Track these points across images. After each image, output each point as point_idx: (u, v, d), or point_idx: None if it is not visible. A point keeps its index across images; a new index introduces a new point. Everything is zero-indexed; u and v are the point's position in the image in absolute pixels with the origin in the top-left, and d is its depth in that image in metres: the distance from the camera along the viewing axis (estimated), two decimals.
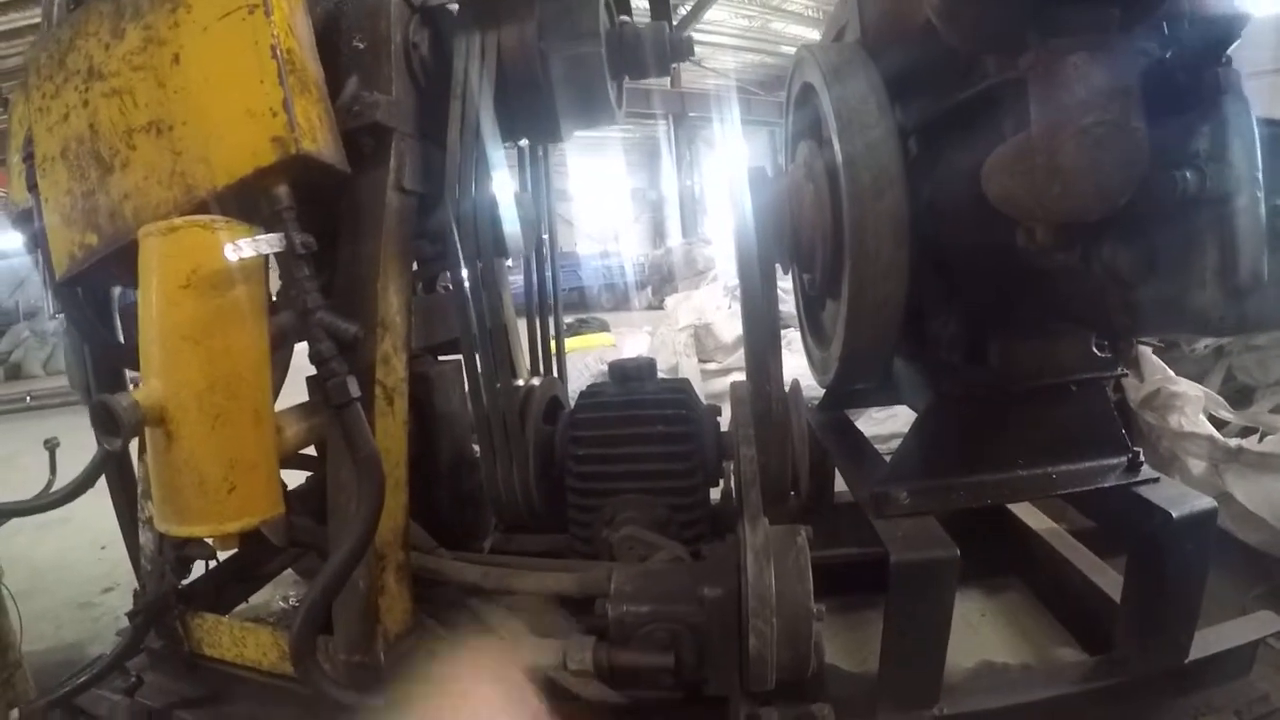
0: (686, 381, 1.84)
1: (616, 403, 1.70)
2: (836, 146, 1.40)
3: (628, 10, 1.89)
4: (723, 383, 4.17)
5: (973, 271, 1.46)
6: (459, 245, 1.56)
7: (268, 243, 1.22)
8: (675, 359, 4.25)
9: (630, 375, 1.74)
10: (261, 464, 1.24)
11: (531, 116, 1.75)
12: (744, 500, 1.36)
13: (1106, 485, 1.59)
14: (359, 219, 1.49)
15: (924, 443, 1.57)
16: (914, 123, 1.51)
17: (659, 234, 22.31)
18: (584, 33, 1.68)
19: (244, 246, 1.19)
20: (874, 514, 1.51)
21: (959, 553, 1.40)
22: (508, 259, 1.79)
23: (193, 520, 1.20)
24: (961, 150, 1.33)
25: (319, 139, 1.31)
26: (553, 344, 2.09)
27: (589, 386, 1.80)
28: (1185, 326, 1.00)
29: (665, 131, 18.22)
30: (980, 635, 2.03)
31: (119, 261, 1.32)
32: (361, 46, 1.51)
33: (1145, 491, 1.57)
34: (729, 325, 4.27)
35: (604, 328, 5.88)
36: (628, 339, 5.46)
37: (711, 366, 4.21)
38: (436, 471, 1.79)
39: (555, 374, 2.08)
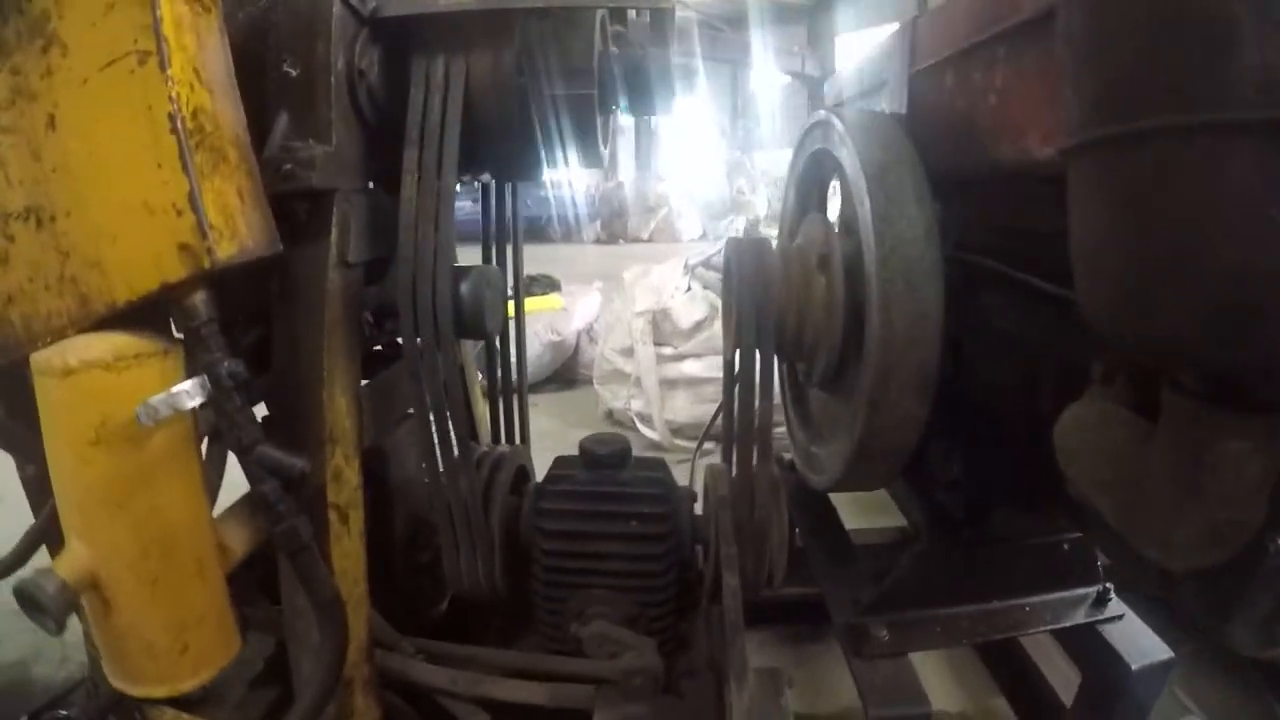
0: (661, 464, 1.75)
1: (587, 494, 1.60)
2: (873, 276, 1.23)
3: (622, 20, 1.57)
4: (679, 368, 4.08)
5: (994, 440, 1.39)
6: (414, 328, 1.31)
7: (189, 393, 1.00)
8: (631, 343, 4.15)
9: (603, 462, 1.64)
10: (212, 612, 1.08)
11: (499, 156, 1.49)
12: (729, 644, 1.31)
13: (1075, 623, 1.60)
14: (294, 304, 1.24)
15: (906, 577, 1.53)
16: (950, 243, 1.33)
17: (611, 163, 21.92)
18: (575, 69, 1.40)
19: (158, 407, 0.96)
20: (852, 651, 1.47)
21: (931, 709, 1.38)
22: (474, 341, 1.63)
23: (146, 683, 1.05)
24: (1013, 316, 1.19)
25: (241, 232, 1.04)
26: (516, 413, 1.92)
27: (557, 468, 1.68)
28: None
29: None
30: None
31: (12, 379, 1.07)
32: (294, 74, 1.22)
33: (1109, 634, 1.59)
34: (687, 310, 4.16)
35: (553, 286, 5.69)
36: (579, 300, 5.30)
37: (668, 351, 4.11)
38: (391, 543, 1.65)
39: (519, 436, 1.94)
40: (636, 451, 3.99)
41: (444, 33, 1.34)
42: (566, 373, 5.04)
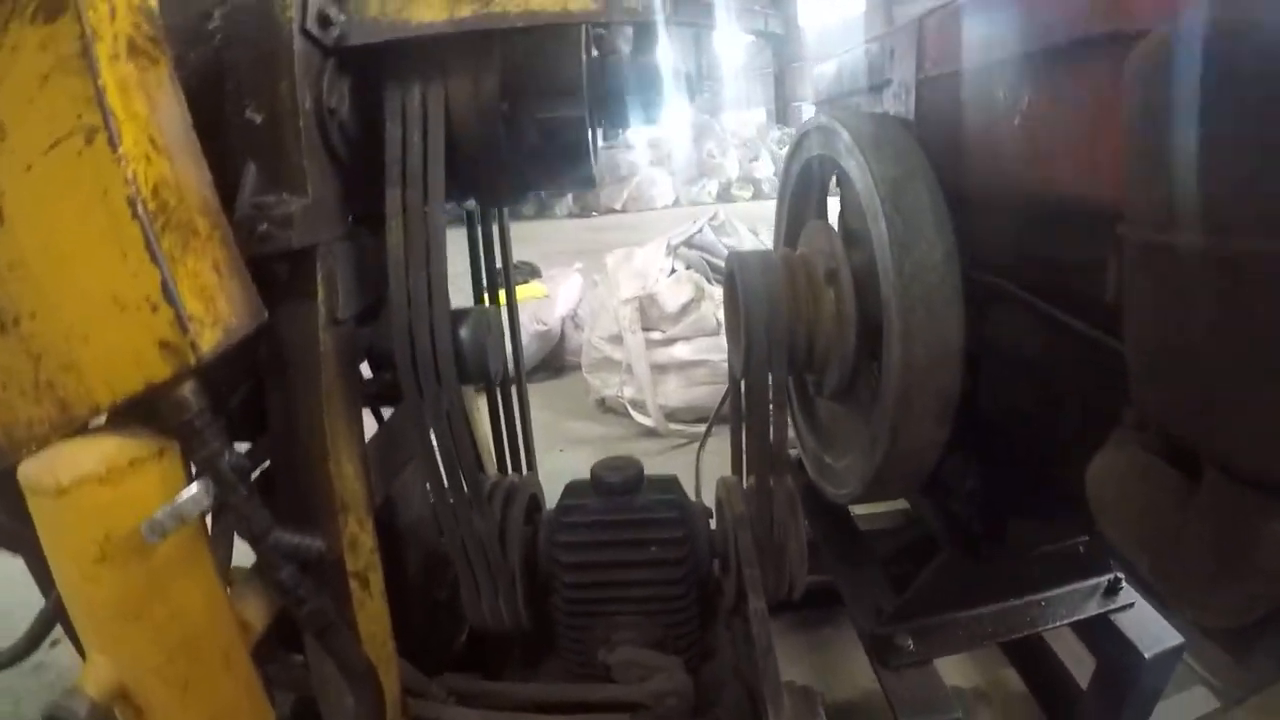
0: (674, 482, 1.74)
1: (604, 523, 1.58)
2: (892, 304, 1.19)
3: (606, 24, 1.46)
4: (668, 352, 4.06)
5: (1011, 456, 1.37)
6: (415, 378, 1.24)
7: (194, 501, 0.92)
8: (618, 330, 4.12)
9: (616, 489, 1.62)
10: (244, 696, 1.04)
11: (484, 184, 1.41)
12: (761, 668, 1.30)
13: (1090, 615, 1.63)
14: (286, 371, 1.16)
15: (928, 584, 1.54)
16: (965, 257, 1.27)
17: None
18: (563, 90, 1.30)
19: (164, 522, 0.88)
20: (878, 661, 1.48)
21: (960, 716, 1.40)
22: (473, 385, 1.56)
23: None
24: (1035, 345, 1.14)
25: (224, 314, 0.95)
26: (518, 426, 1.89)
27: (570, 497, 1.66)
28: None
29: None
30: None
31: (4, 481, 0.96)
32: (258, 120, 1.10)
33: (1121, 622, 1.62)
34: (673, 293, 4.13)
35: (534, 273, 5.64)
36: (560, 286, 5.25)
37: (656, 336, 4.08)
38: (407, 584, 1.63)
39: (524, 459, 1.91)
40: (631, 438, 3.96)
41: (418, 58, 1.24)
42: (554, 360, 5.00)
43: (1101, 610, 1.64)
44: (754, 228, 5.12)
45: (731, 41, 22.67)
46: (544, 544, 1.60)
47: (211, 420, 0.96)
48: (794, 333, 1.41)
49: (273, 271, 1.11)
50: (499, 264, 1.70)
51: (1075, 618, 1.63)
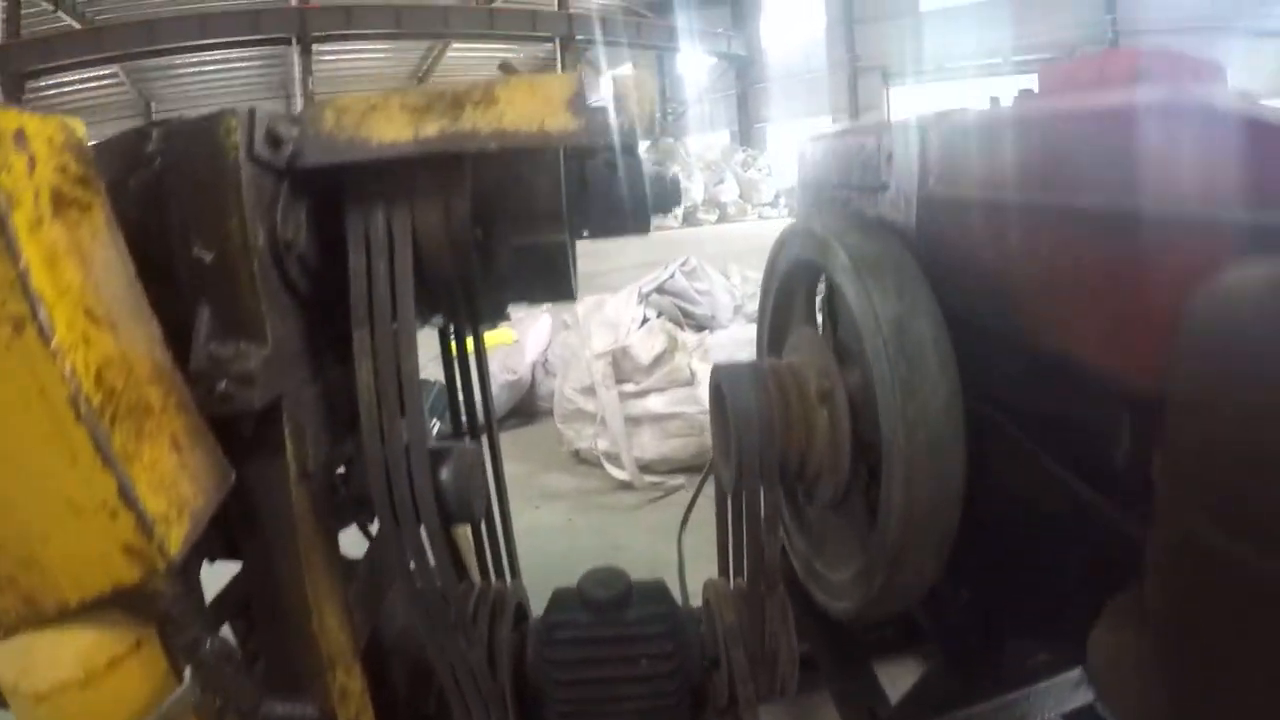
0: (663, 590, 1.70)
1: (595, 639, 1.55)
2: (893, 450, 1.15)
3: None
4: (642, 405, 4.03)
5: (1007, 578, 1.37)
6: (394, 525, 1.15)
7: (180, 703, 0.86)
8: (591, 382, 4.09)
9: (605, 605, 1.59)
10: None
11: (455, 307, 1.33)
12: None
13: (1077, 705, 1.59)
14: (259, 532, 1.08)
15: (920, 689, 1.52)
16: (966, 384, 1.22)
17: None
18: (540, 213, 1.22)
19: None
20: None
21: None
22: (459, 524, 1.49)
23: None
24: (1039, 495, 1.10)
25: (190, 500, 0.88)
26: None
27: (557, 610, 1.62)
28: None
29: (550, 52, 17.58)
30: None
31: None
32: (207, 259, 0.98)
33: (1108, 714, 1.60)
34: (646, 344, 4.11)
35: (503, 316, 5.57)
36: (529, 330, 5.20)
37: (630, 388, 4.06)
38: (395, 701, 1.59)
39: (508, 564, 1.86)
40: (606, 492, 3.91)
41: (381, 180, 1.14)
42: (525, 406, 4.95)
43: (1090, 700, 1.63)
44: (725, 269, 5.13)
45: (695, 64, 22.85)
46: (533, 658, 1.56)
47: (189, 605, 0.90)
48: (786, 452, 1.39)
49: (235, 428, 1.02)
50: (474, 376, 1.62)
51: (1064, 709, 1.63)
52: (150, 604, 0.87)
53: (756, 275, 5.42)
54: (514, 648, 1.55)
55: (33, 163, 0.79)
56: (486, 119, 1.09)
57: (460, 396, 1.57)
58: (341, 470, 1.30)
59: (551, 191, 1.22)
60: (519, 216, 1.22)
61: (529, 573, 1.85)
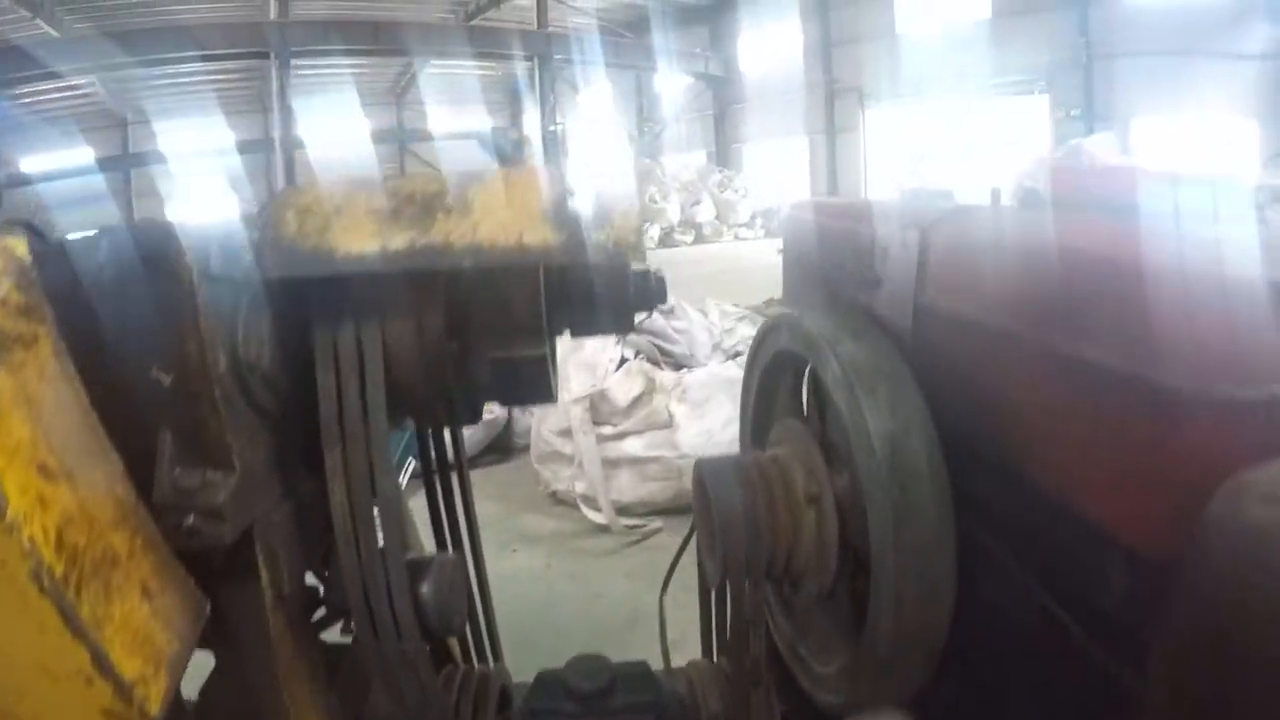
0: (646, 674, 1.67)
1: None
2: (883, 579, 1.12)
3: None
4: (620, 447, 4.01)
5: (990, 684, 1.34)
6: (373, 641, 1.10)
7: None
8: (568, 424, 4.06)
9: (590, 695, 1.55)
10: None
11: (429, 415, 1.29)
12: None
13: None
14: (237, 654, 1.04)
15: None
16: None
17: None
18: (520, 327, 1.16)
19: None
20: None
21: None
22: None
23: None
24: (1026, 617, 1.06)
25: (165, 650, 0.84)
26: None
27: (540, 696, 1.58)
28: None
29: (527, 70, 17.62)
30: None
31: None
32: (165, 382, 0.93)
33: None
34: (623, 386, 4.09)
35: None
36: None
37: (608, 431, 4.04)
38: None
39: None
40: (584, 535, 3.86)
41: (348, 295, 1.07)
42: (501, 443, 4.92)
43: None
44: (703, 305, 5.12)
45: (672, 84, 22.96)
46: None
47: None
48: (772, 550, 1.36)
49: (206, 559, 0.96)
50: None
51: None
52: None
53: (735, 310, 5.45)
54: None
55: None
56: (460, 231, 1.02)
57: (440, 501, 1.50)
58: (319, 577, 1.27)
59: (530, 303, 1.16)
60: (496, 330, 1.16)
61: (507, 620, 1.79)
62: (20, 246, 0.80)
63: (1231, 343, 0.72)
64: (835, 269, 1.56)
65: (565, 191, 1.07)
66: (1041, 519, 0.98)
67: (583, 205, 1.13)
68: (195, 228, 0.96)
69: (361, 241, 1.01)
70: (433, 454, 1.45)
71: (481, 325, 1.16)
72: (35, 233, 1.08)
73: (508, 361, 1.18)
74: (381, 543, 1.10)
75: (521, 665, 1.82)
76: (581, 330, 1.34)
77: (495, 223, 1.02)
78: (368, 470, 1.08)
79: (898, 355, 1.21)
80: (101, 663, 0.75)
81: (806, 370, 1.49)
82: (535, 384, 1.24)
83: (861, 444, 1.13)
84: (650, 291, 1.30)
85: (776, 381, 1.60)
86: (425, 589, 1.17)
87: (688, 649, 1.88)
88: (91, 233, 1.00)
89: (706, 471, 1.39)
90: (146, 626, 0.83)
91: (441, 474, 1.50)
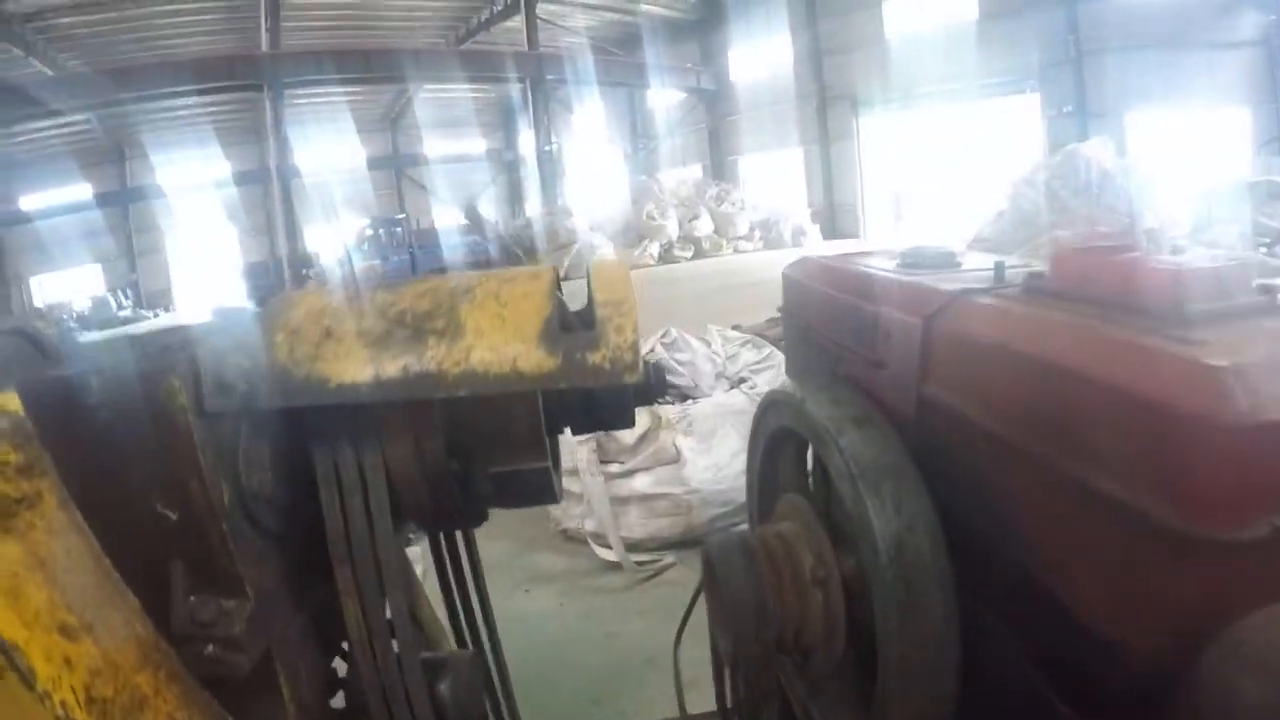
0: None
1: None
2: (888, 668, 1.14)
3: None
4: (629, 485, 4.01)
5: None
6: None
7: None
8: (574, 464, 4.07)
9: None
10: None
11: (435, 522, 1.29)
12: None
13: None
14: None
15: None
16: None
17: (516, 197, 21.71)
18: (520, 441, 1.17)
19: None
20: None
21: None
22: None
23: None
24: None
25: None
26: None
27: None
28: None
29: (520, 91, 17.72)
30: None
31: None
32: (172, 517, 0.95)
33: None
34: None
35: None
36: None
37: (615, 469, 4.05)
38: None
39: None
40: (596, 573, 3.79)
41: (345, 420, 1.08)
42: None
43: None
44: (705, 335, 5.13)
45: (664, 100, 23.04)
46: None
47: None
48: (781, 629, 1.38)
49: (225, 683, 0.97)
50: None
51: None
52: None
53: (737, 335, 5.46)
54: None
55: None
56: (453, 357, 1.02)
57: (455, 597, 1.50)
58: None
59: (530, 419, 1.17)
60: (497, 446, 1.17)
61: (524, 661, 1.78)
62: (12, 401, 0.80)
63: (1236, 478, 0.73)
64: (837, 344, 1.58)
65: (558, 307, 1.06)
66: (1045, 616, 1.00)
67: (576, 303, 1.13)
68: (183, 371, 0.96)
69: (354, 370, 1.01)
70: (444, 553, 1.46)
71: (482, 443, 1.17)
72: (31, 340, 1.11)
73: (511, 475, 1.19)
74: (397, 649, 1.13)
75: (543, 705, 1.82)
76: (581, 430, 1.35)
77: (489, 345, 1.02)
78: (378, 583, 1.10)
79: (901, 448, 1.21)
80: None
81: (809, 448, 1.51)
82: (539, 490, 1.25)
83: (867, 542, 1.16)
84: (650, 390, 1.29)
85: (780, 454, 1.62)
86: (444, 688, 1.20)
87: (704, 689, 1.90)
88: (91, 340, 1.02)
89: (714, 553, 1.41)
90: None
91: (454, 564, 1.50)
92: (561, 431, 1.34)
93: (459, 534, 1.45)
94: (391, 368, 1.01)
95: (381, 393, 1.01)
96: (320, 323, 1.04)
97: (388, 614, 1.12)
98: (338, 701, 1.26)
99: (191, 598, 0.98)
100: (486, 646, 1.50)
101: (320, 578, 1.20)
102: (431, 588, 1.55)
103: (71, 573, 0.82)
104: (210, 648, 0.96)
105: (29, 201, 20.08)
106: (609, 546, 3.91)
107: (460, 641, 1.52)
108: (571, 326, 1.06)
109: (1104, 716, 0.94)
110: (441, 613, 1.52)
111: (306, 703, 1.12)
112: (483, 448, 1.17)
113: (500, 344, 1.02)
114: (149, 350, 1.04)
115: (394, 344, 1.02)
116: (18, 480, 0.79)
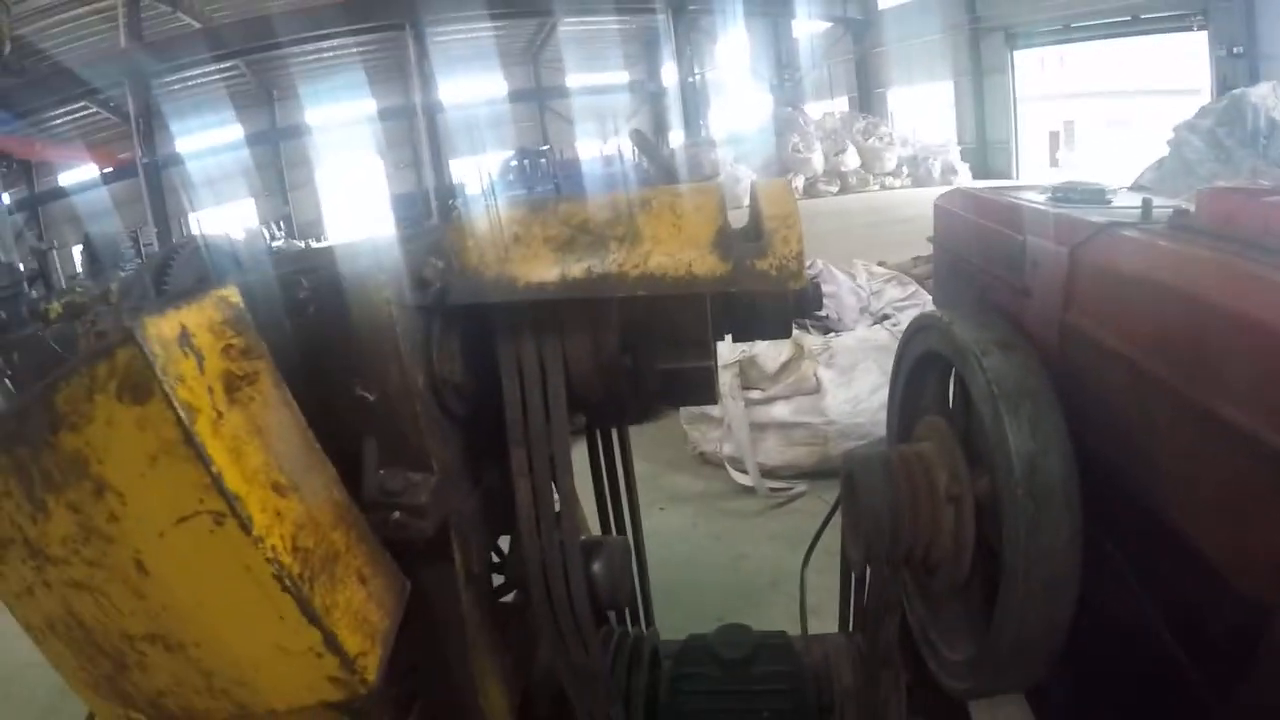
0: (786, 643, 1.78)
1: (724, 692, 1.61)
2: (1015, 579, 1.19)
3: None
4: (768, 412, 4.05)
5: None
6: (551, 621, 1.25)
7: None
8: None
9: (733, 662, 1.68)
10: None
11: (604, 417, 1.41)
12: None
13: None
14: (431, 626, 1.20)
15: None
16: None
17: (660, 128, 21.56)
18: (688, 340, 1.25)
19: None
20: None
21: None
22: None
23: None
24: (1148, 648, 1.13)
25: (378, 626, 1.00)
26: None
27: (688, 662, 1.72)
28: None
29: (662, 21, 17.39)
30: None
31: None
32: (370, 398, 1.08)
33: None
34: (772, 352, 4.13)
35: None
36: None
37: (756, 395, 4.09)
38: None
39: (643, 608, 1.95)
40: (730, 495, 3.86)
41: (530, 315, 1.19)
42: None
43: None
44: (850, 269, 5.07)
45: (810, 29, 22.12)
46: (665, 705, 1.66)
47: (383, 699, 1.02)
48: (912, 542, 1.45)
49: (409, 543, 1.12)
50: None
51: None
52: (348, 706, 1.01)
53: (882, 271, 5.36)
54: (647, 695, 1.68)
55: (200, 360, 0.87)
56: (632, 260, 1.12)
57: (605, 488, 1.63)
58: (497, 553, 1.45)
59: (698, 321, 1.25)
60: (666, 344, 1.26)
61: (654, 577, 1.90)
62: (234, 294, 0.96)
63: None
64: (985, 273, 1.60)
65: (727, 220, 1.15)
66: (1164, 548, 1.03)
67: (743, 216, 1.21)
68: (389, 268, 1.10)
69: (540, 270, 1.13)
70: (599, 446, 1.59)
71: (653, 340, 1.27)
72: (238, 263, 1.29)
73: (677, 372, 1.29)
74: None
75: (668, 620, 1.95)
76: (742, 336, 1.43)
77: (665, 252, 1.13)
78: (549, 468, 1.23)
79: (1043, 373, 1.25)
80: (331, 642, 0.94)
81: (953, 371, 1.55)
82: (701, 389, 1.35)
83: (1002, 460, 1.21)
84: (808, 302, 1.36)
85: (924, 377, 1.67)
86: (597, 568, 1.33)
87: (825, 615, 1.98)
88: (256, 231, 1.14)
89: (856, 465, 1.49)
90: (364, 608, 1.02)
91: (608, 464, 1.65)
92: (722, 338, 1.41)
93: (614, 434, 1.59)
94: (576, 269, 1.12)
95: (566, 291, 1.12)
96: (509, 231, 1.16)
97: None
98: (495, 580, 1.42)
99: (382, 471, 1.12)
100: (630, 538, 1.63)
101: (494, 461, 1.35)
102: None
103: (282, 441, 0.98)
104: (397, 514, 1.09)
105: (185, 144, 21.25)
106: (745, 471, 4.01)
107: (606, 531, 1.66)
108: (742, 241, 1.15)
109: (1213, 656, 0.97)
110: (589, 504, 1.66)
111: (475, 573, 1.26)
112: (654, 346, 1.26)
113: (676, 250, 1.12)
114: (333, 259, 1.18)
115: (578, 248, 1.13)
116: (241, 360, 0.94)
